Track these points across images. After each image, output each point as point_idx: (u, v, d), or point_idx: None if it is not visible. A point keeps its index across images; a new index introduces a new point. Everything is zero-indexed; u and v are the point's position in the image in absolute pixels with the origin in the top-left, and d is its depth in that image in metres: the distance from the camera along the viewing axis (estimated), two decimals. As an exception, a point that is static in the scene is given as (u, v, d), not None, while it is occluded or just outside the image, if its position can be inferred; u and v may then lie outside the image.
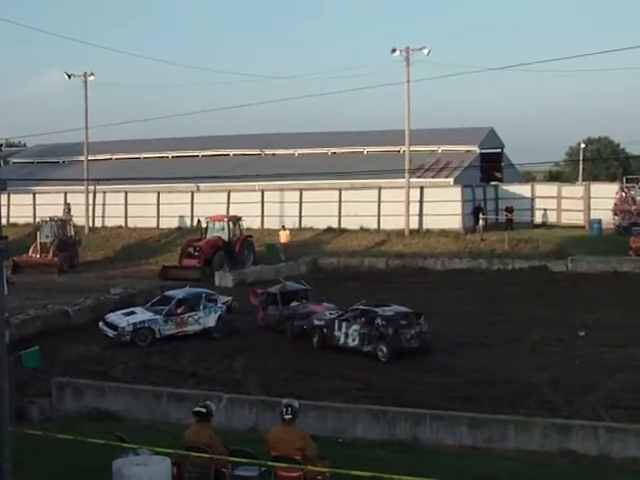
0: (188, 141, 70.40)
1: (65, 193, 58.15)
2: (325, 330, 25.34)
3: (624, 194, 52.10)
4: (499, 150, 66.00)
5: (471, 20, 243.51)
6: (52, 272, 43.28)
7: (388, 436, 16.89)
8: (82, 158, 58.89)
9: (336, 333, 24.98)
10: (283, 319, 27.39)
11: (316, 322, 25.90)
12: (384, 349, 23.72)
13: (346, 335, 24.73)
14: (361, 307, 25.43)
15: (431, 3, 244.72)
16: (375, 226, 52.89)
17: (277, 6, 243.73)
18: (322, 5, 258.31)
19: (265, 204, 55.52)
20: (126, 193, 58.68)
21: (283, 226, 49.46)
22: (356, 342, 24.48)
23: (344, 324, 24.89)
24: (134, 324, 26.08)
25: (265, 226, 53.76)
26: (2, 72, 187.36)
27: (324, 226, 53.61)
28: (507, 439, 16.36)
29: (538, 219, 55.36)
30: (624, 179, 57.09)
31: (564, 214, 54.55)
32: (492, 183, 60.70)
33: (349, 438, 16.91)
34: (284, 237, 47.31)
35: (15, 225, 56.70)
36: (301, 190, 54.82)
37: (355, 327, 24.59)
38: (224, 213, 50.24)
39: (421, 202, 52.36)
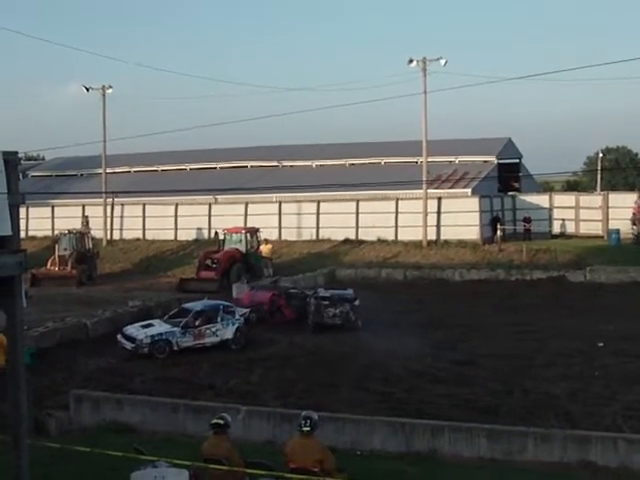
0: (206, 153, 70.54)
1: (83, 206, 58.51)
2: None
3: (642, 203, 51.79)
4: (517, 160, 65.73)
5: (488, 30, 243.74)
6: (70, 285, 43.41)
7: (406, 448, 16.75)
8: (100, 171, 59.27)
9: (308, 309, 30.44)
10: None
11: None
12: (310, 322, 29.59)
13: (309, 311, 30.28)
14: (317, 289, 31.80)
15: (448, 14, 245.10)
16: (393, 237, 52.84)
17: (295, 18, 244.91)
18: (339, 17, 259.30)
19: (283, 216, 55.57)
20: (144, 205, 58.93)
21: (265, 239, 47.71)
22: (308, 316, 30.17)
23: (310, 301, 30.43)
24: (152, 336, 26.06)
25: (283, 237, 53.78)
26: (20, 85, 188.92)
27: (342, 237, 53.59)
28: (526, 451, 16.21)
29: (556, 229, 55.15)
30: (642, 188, 56.82)
31: (582, 224, 54.35)
32: (510, 193, 60.47)
33: (367, 450, 16.82)
34: (265, 251, 46.41)
35: (34, 238, 57.04)
36: (318, 202, 54.89)
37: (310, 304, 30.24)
38: (242, 225, 50.37)
39: (439, 213, 52.34)
